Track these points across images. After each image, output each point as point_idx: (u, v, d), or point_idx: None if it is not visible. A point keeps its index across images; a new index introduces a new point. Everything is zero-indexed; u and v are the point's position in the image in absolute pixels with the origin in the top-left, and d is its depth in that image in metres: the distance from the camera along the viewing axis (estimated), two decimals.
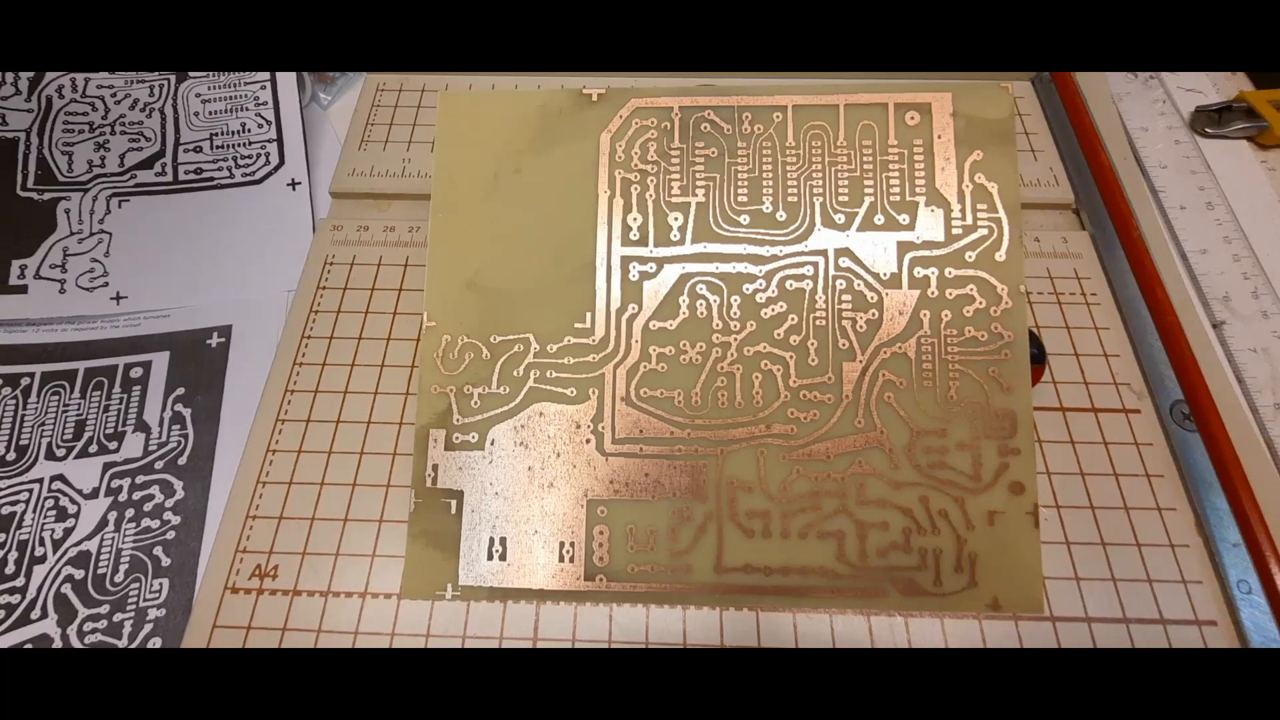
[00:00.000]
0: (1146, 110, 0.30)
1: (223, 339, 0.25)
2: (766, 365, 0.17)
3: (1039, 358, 0.18)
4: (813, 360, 0.17)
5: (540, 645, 0.16)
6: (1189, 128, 0.29)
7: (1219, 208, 0.27)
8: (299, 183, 0.28)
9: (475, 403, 0.17)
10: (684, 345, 0.17)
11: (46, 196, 0.27)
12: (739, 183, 0.18)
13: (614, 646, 0.16)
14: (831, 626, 0.16)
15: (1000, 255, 0.17)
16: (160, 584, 0.20)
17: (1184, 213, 0.27)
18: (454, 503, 0.17)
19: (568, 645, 0.16)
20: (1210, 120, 0.29)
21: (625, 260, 0.18)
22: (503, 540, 0.17)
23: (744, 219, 0.18)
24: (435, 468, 0.17)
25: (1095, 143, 0.23)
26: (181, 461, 0.22)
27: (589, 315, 0.18)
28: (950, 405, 0.17)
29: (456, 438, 0.17)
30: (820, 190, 0.18)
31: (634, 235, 0.18)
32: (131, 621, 0.20)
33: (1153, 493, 0.18)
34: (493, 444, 0.17)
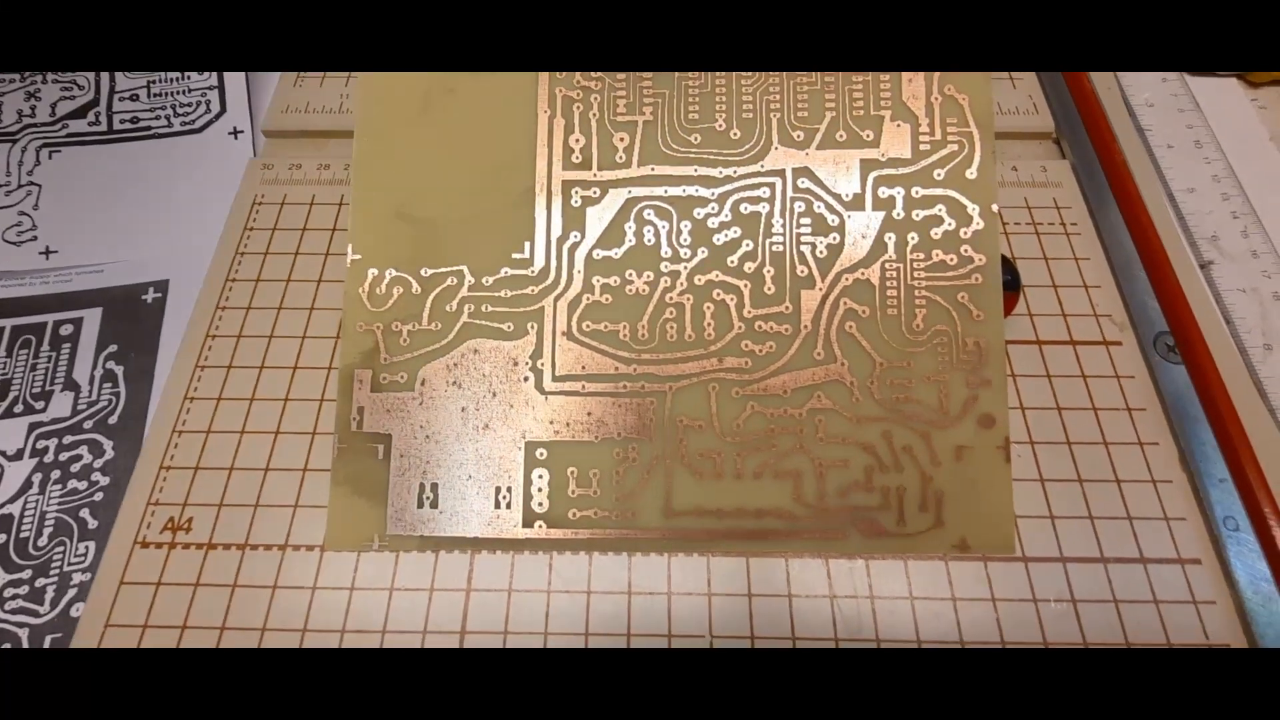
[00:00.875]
0: None
1: (159, 294, 0.23)
2: (719, 295, 0.16)
3: (1012, 284, 0.17)
4: (769, 289, 0.16)
5: (474, 594, 0.15)
6: None
7: (1208, 146, 0.26)
8: (241, 131, 0.26)
9: (404, 340, 0.16)
10: (630, 275, 0.16)
11: None
12: (690, 99, 0.17)
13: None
14: (787, 572, 0.15)
15: (971, 173, 0.16)
16: (86, 547, 0.19)
17: (1171, 151, 0.26)
18: (381, 447, 0.16)
19: (503, 594, 0.15)
20: None
21: (567, 185, 0.16)
22: (434, 486, 0.15)
23: (695, 138, 0.17)
24: (361, 410, 0.16)
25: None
26: (112, 421, 0.21)
27: (527, 245, 0.16)
28: (916, 334, 0.16)
29: (384, 378, 0.16)
30: (777, 106, 0.16)
31: (576, 158, 0.17)
32: (55, 586, 0.18)
33: (1134, 427, 0.17)
34: (423, 384, 0.16)
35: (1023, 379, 0.17)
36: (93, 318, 0.23)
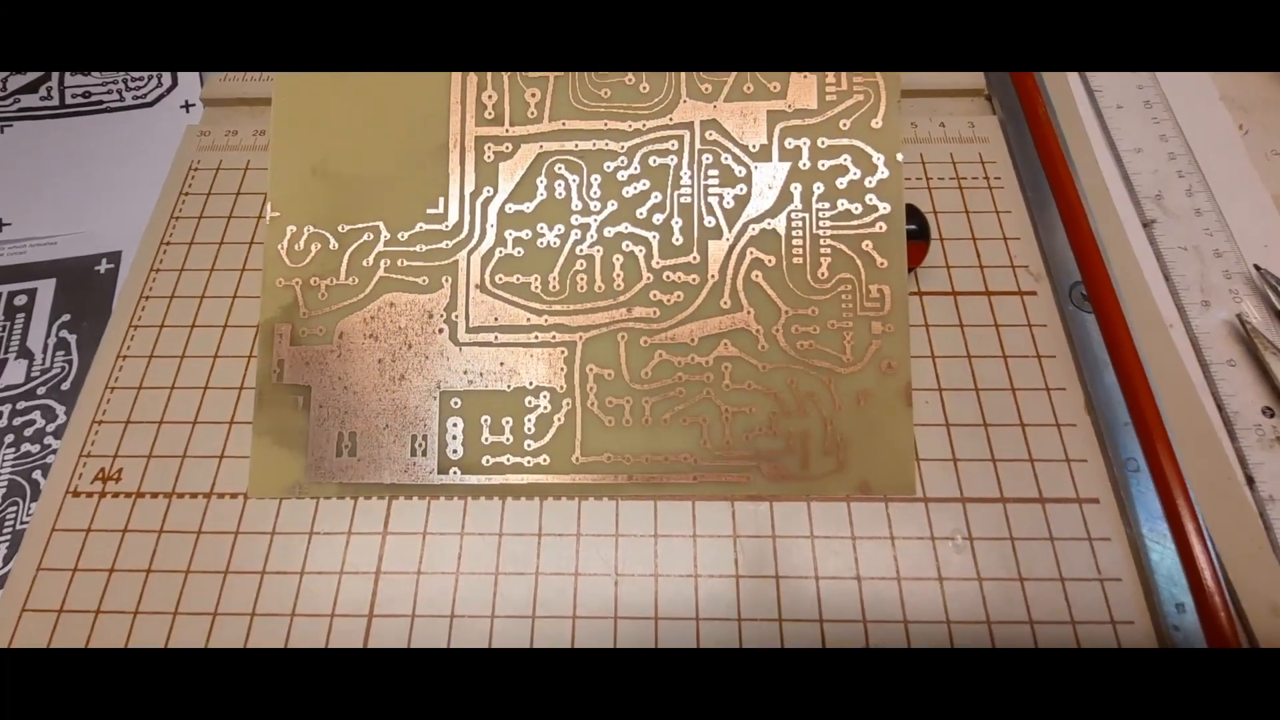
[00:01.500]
0: None
1: (111, 265, 0.24)
2: (628, 246, 0.16)
3: (920, 234, 0.17)
4: (677, 240, 0.16)
5: (390, 537, 0.15)
6: None
7: (1157, 105, 0.26)
8: (193, 105, 0.27)
9: (323, 295, 0.16)
10: (541, 228, 0.16)
11: None
12: None
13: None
14: (693, 515, 0.16)
15: (876, 122, 0.16)
16: (33, 505, 0.19)
17: (1120, 112, 0.26)
18: (301, 398, 0.16)
19: (418, 537, 0.15)
20: None
21: (480, 141, 0.17)
22: (352, 435, 0.16)
23: (605, 93, 0.17)
24: (281, 363, 0.16)
25: None
26: (65, 387, 0.21)
27: (442, 200, 0.17)
28: (821, 283, 0.16)
29: (303, 331, 0.16)
30: None
31: (489, 114, 0.17)
32: (6, 545, 0.19)
33: (1043, 373, 0.17)
34: (341, 337, 0.16)
35: (936, 329, 0.18)
36: (47, 288, 0.24)
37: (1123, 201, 0.23)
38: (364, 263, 0.17)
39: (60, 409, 0.21)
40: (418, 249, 0.17)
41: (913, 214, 0.17)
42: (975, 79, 0.22)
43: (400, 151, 0.17)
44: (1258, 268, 0.22)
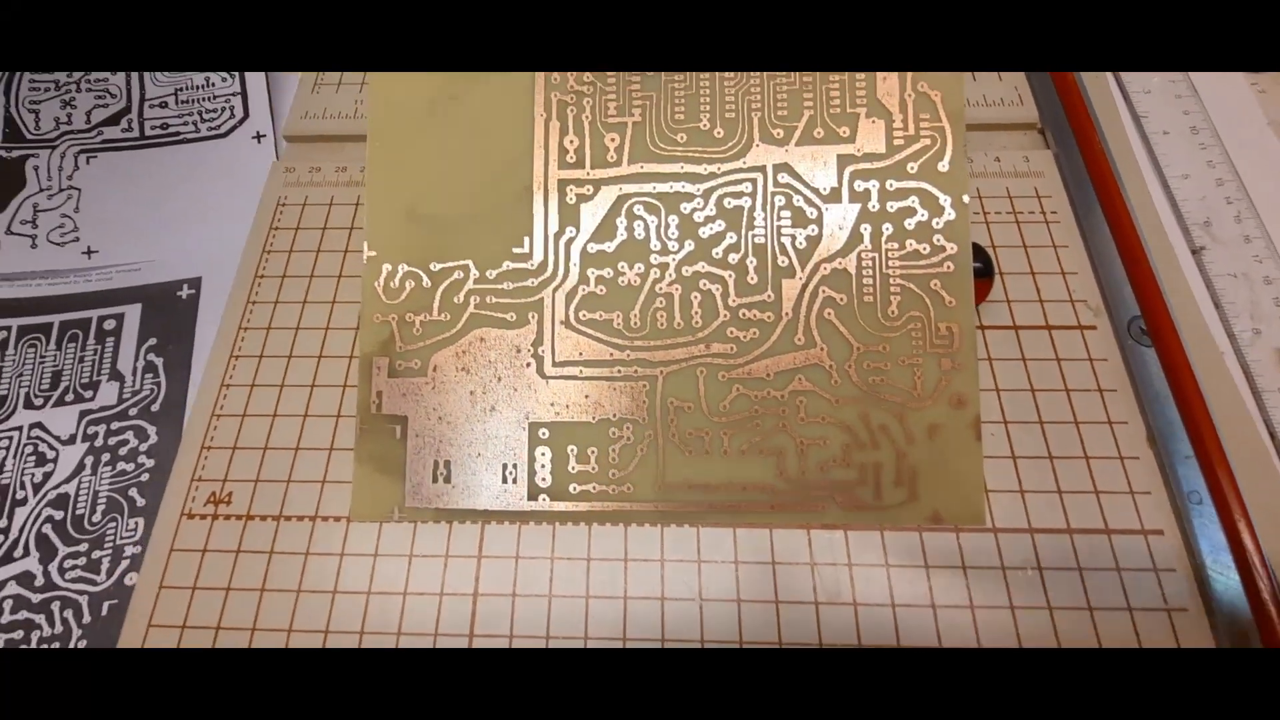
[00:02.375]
0: None
1: (193, 290, 0.25)
2: (705, 285, 0.17)
3: (985, 271, 0.18)
4: (752, 279, 0.17)
5: (485, 560, 0.16)
6: None
7: (1204, 132, 0.26)
8: (264, 135, 0.28)
9: (417, 330, 0.17)
10: (622, 267, 0.17)
11: (15, 154, 0.28)
12: (675, 101, 0.18)
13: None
14: (771, 542, 0.16)
15: (943, 165, 0.17)
16: (136, 523, 0.21)
17: (1166, 138, 0.26)
18: (398, 428, 0.17)
19: (511, 560, 0.16)
20: None
21: (562, 183, 0.18)
22: (447, 463, 0.17)
23: (681, 137, 0.18)
24: (379, 394, 0.17)
25: None
26: (154, 408, 0.23)
27: (527, 240, 0.18)
28: (891, 320, 0.17)
29: (399, 364, 0.17)
30: (758, 105, 0.17)
31: (570, 158, 0.18)
32: (109, 558, 0.20)
33: (1104, 407, 0.18)
34: (435, 370, 0.17)
35: (999, 362, 0.18)
36: (133, 313, 0.25)
37: (1171, 228, 0.23)
38: (455, 299, 0.18)
39: (151, 429, 0.23)
40: (505, 286, 0.18)
41: (977, 252, 0.18)
42: (1029, 112, 0.22)
43: (487, 194, 0.18)
44: None
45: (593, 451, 0.17)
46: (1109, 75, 0.26)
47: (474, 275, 0.18)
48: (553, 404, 0.17)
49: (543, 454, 0.17)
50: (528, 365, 0.17)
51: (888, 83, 0.17)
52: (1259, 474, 0.17)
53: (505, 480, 0.17)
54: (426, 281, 0.18)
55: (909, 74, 0.17)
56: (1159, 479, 0.17)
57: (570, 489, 0.17)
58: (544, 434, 0.17)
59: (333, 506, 0.17)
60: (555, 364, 0.17)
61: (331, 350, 0.19)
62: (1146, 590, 0.15)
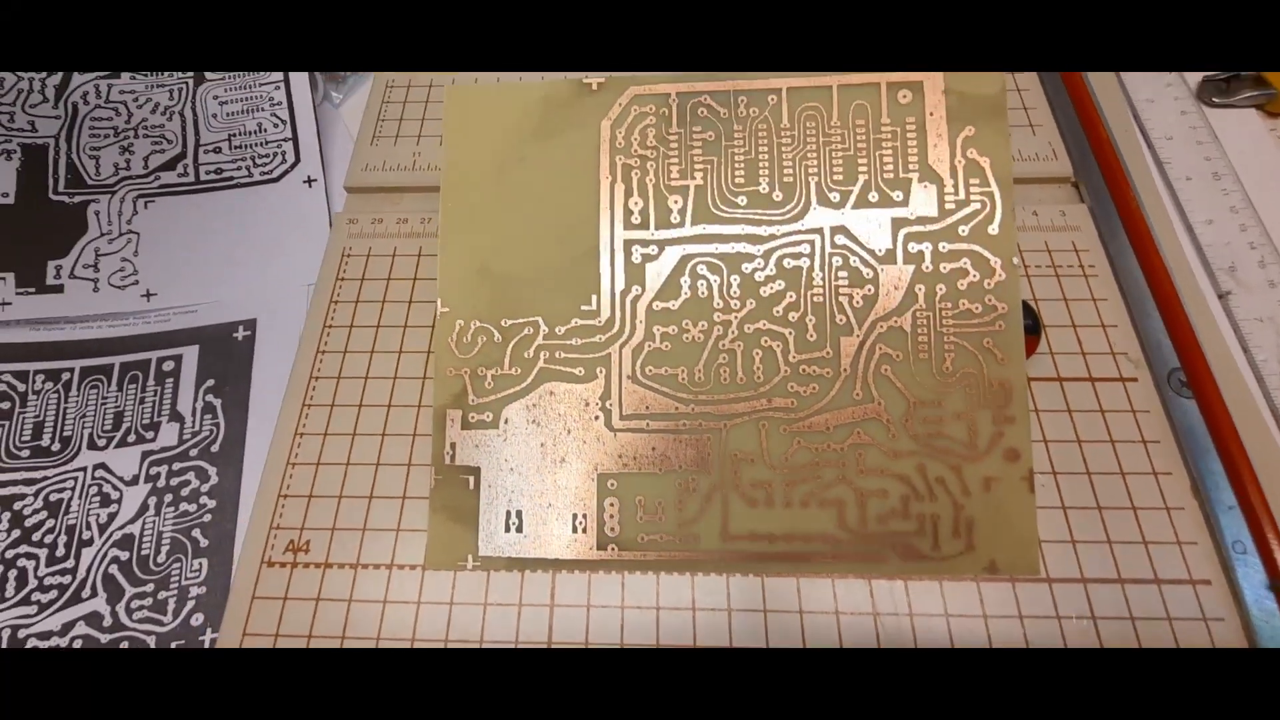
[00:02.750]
0: (1152, 82, 0.30)
1: (248, 332, 0.26)
2: (766, 341, 0.18)
3: (1033, 328, 0.19)
4: (811, 336, 0.18)
5: (557, 609, 0.17)
6: (1195, 98, 0.29)
7: (1226, 177, 0.27)
8: (315, 179, 0.29)
9: (489, 384, 0.18)
10: (686, 324, 0.18)
11: (77, 199, 0.29)
12: (736, 165, 0.19)
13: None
14: (834, 591, 0.17)
15: (993, 229, 0.18)
16: (200, 563, 0.21)
17: (1189, 184, 0.27)
18: (472, 478, 0.18)
19: (583, 609, 0.17)
20: (1218, 90, 0.29)
21: (628, 243, 0.19)
22: (519, 513, 0.18)
23: (741, 200, 0.19)
24: (453, 446, 0.18)
25: (1094, 115, 0.23)
26: (214, 449, 0.23)
27: (595, 298, 0.18)
28: (946, 376, 0.17)
29: (472, 417, 0.18)
30: (815, 170, 0.18)
31: (635, 219, 0.19)
32: (175, 599, 0.21)
33: (1149, 458, 0.18)
34: (506, 422, 0.18)
35: (1046, 414, 0.19)
36: (191, 354, 0.26)
37: (1199, 273, 0.24)
38: (525, 354, 0.18)
39: (212, 470, 0.23)
40: (574, 342, 0.18)
41: (1025, 310, 0.19)
42: (1063, 166, 0.23)
43: (556, 254, 0.19)
44: None
45: (660, 502, 0.18)
46: (1134, 124, 0.27)
47: (544, 331, 0.18)
48: (620, 456, 0.18)
49: (611, 504, 0.18)
50: (596, 418, 0.18)
51: (938, 149, 0.18)
52: None
53: (575, 530, 0.18)
54: (498, 337, 0.18)
55: (958, 140, 0.18)
56: (1204, 529, 0.17)
57: (638, 539, 0.17)
58: (612, 485, 0.18)
59: (408, 555, 0.18)
60: (623, 417, 0.18)
61: (400, 400, 0.20)
62: (1197, 640, 0.16)
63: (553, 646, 0.16)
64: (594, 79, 0.19)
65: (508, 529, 0.18)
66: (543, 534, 0.18)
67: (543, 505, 0.18)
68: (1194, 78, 0.29)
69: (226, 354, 0.25)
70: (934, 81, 0.18)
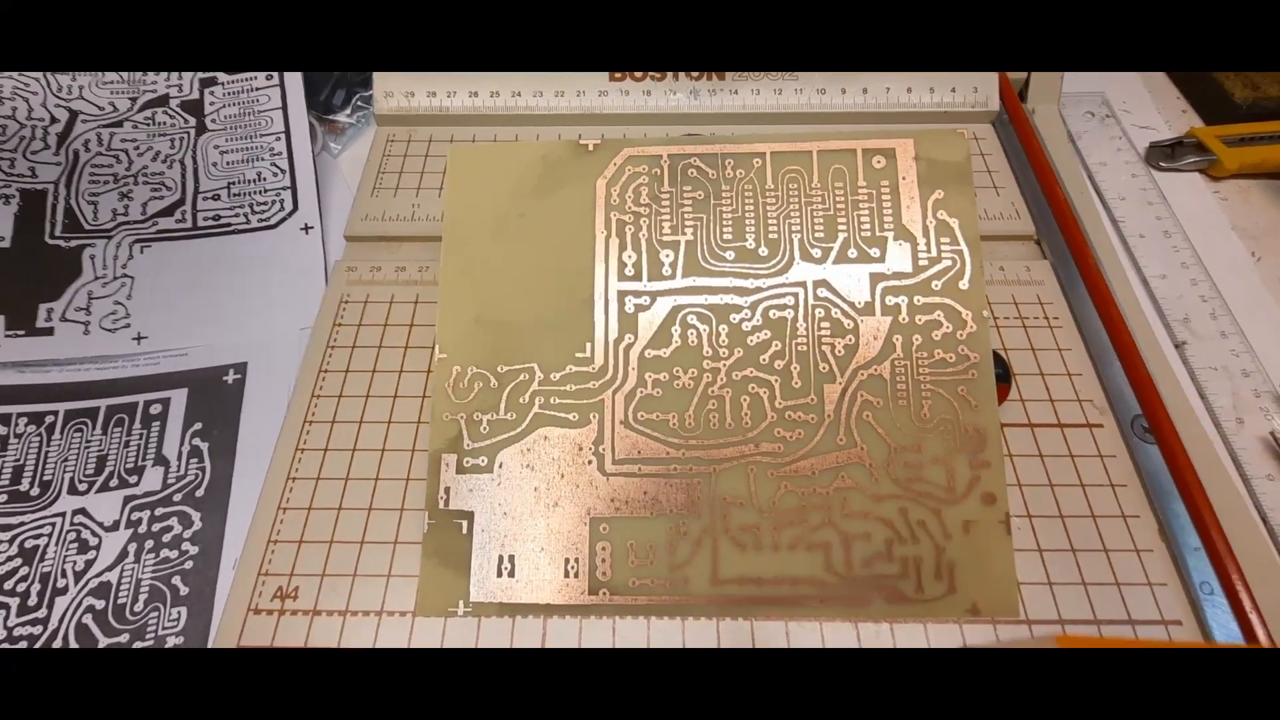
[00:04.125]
0: (1104, 147, 0.32)
1: (239, 376, 0.26)
2: (754, 388, 0.19)
3: (1004, 377, 0.20)
4: (796, 383, 0.19)
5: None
6: (1144, 162, 0.31)
7: (1175, 235, 0.29)
8: (311, 227, 0.30)
9: (484, 429, 0.19)
10: (677, 371, 0.19)
11: (73, 244, 0.29)
12: (724, 222, 0.20)
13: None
14: (822, 633, 0.17)
15: (964, 284, 0.19)
16: (178, 612, 0.21)
17: (1143, 241, 0.29)
18: (465, 523, 0.18)
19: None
20: (1164, 155, 0.31)
21: (621, 294, 0.19)
22: (511, 558, 0.18)
23: (729, 255, 0.20)
24: (447, 490, 0.18)
25: (1051, 179, 0.25)
26: (199, 494, 0.23)
27: (589, 345, 0.19)
28: (924, 422, 0.18)
29: (467, 461, 0.18)
30: (798, 228, 0.20)
31: (629, 271, 0.20)
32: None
33: (1117, 501, 0.19)
34: (501, 467, 0.18)
35: (1019, 458, 0.20)
36: (179, 398, 0.26)
37: (1155, 324, 0.26)
38: (521, 400, 0.19)
39: (195, 515, 0.23)
40: (568, 388, 0.19)
41: (996, 360, 0.20)
42: (1026, 225, 0.25)
43: (552, 303, 0.19)
44: None
45: (651, 546, 0.18)
46: (1089, 187, 0.30)
47: (539, 378, 0.19)
48: (613, 500, 0.18)
49: (603, 548, 0.18)
50: (589, 463, 0.18)
51: (910, 210, 0.19)
52: (1264, 564, 0.18)
53: (568, 574, 0.18)
54: (494, 383, 0.19)
55: (929, 202, 0.19)
56: (1173, 570, 0.18)
57: (630, 583, 0.18)
58: (604, 529, 0.18)
59: (399, 601, 0.18)
60: (615, 462, 0.18)
61: (394, 444, 0.20)
62: None
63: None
64: (590, 141, 0.21)
65: (500, 574, 0.18)
66: (535, 579, 0.18)
67: (535, 550, 0.18)
68: (1141, 143, 0.32)
69: (216, 397, 0.26)
70: (905, 148, 0.20)
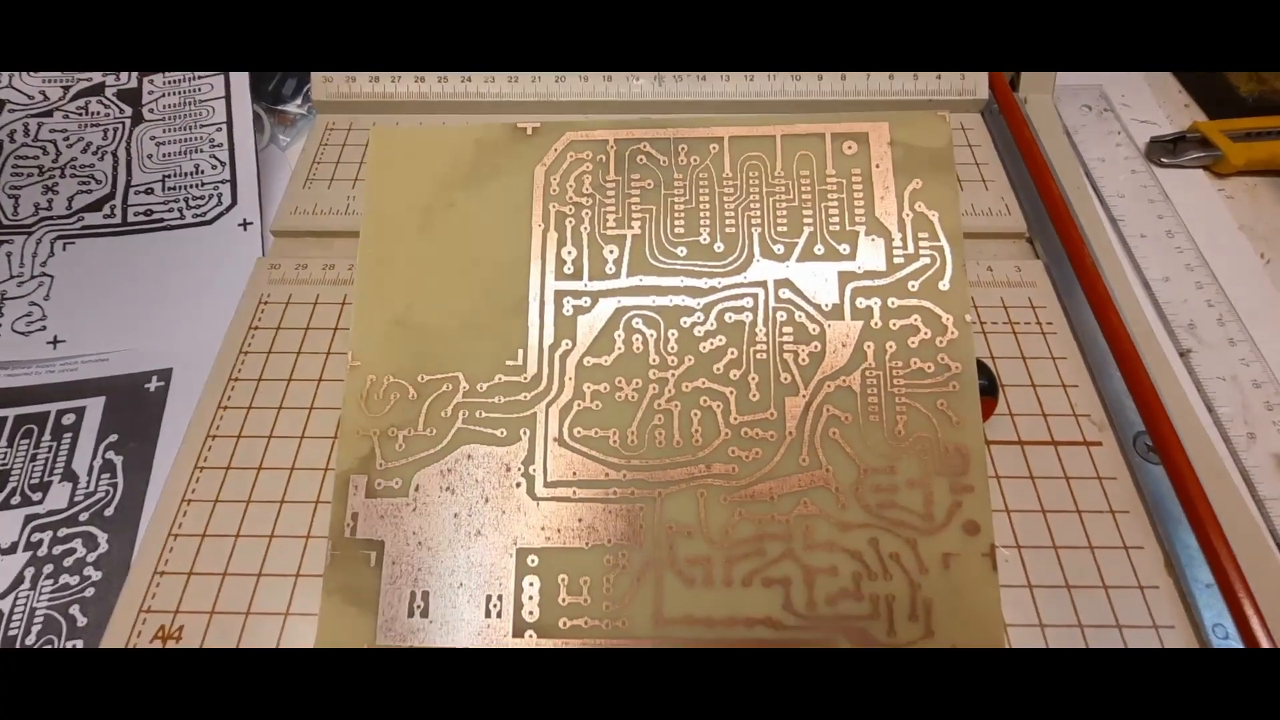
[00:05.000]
0: (1102, 141, 0.30)
1: (162, 382, 0.24)
2: (705, 401, 0.17)
3: (990, 389, 0.17)
4: (753, 395, 0.16)
5: None
6: (1145, 158, 0.29)
7: (1179, 235, 0.27)
8: (250, 223, 0.27)
9: (400, 446, 0.16)
10: (619, 382, 0.17)
11: None
12: (675, 214, 0.18)
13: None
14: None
15: (944, 284, 0.17)
16: (74, 645, 0.19)
17: (1144, 241, 0.27)
18: (374, 554, 0.16)
19: None
20: (1165, 150, 0.29)
21: (559, 295, 0.17)
22: (425, 595, 0.16)
23: (681, 251, 0.17)
24: (355, 516, 0.16)
25: (1045, 172, 0.23)
26: (108, 513, 0.21)
27: (521, 352, 0.17)
28: (898, 441, 0.16)
29: (379, 484, 0.16)
30: (758, 221, 0.17)
31: (568, 269, 0.17)
32: None
33: (1118, 530, 0.17)
34: (417, 490, 0.16)
35: (1006, 480, 0.18)
36: (95, 406, 0.24)
37: (1158, 330, 0.24)
38: (442, 413, 0.17)
39: (102, 536, 0.21)
40: (496, 400, 0.17)
41: (981, 370, 0.17)
42: (1017, 222, 0.23)
43: (482, 305, 0.17)
44: None
45: (585, 581, 0.16)
46: (1087, 183, 0.27)
47: (464, 388, 0.17)
48: (543, 528, 0.16)
49: (530, 584, 0.16)
50: (518, 485, 0.16)
51: (884, 201, 0.17)
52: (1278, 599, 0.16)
53: (489, 614, 0.15)
54: (413, 394, 0.17)
55: (905, 193, 0.17)
56: (1181, 611, 0.16)
57: (560, 624, 0.15)
58: (533, 561, 0.16)
59: (296, 641, 0.15)
60: (547, 484, 0.16)
61: (305, 462, 0.18)
62: None
63: None
64: (529, 123, 0.18)
65: (411, 613, 0.15)
66: (451, 619, 0.15)
67: (453, 585, 0.16)
68: (1141, 138, 0.30)
69: (135, 406, 0.23)
70: (879, 132, 0.18)
